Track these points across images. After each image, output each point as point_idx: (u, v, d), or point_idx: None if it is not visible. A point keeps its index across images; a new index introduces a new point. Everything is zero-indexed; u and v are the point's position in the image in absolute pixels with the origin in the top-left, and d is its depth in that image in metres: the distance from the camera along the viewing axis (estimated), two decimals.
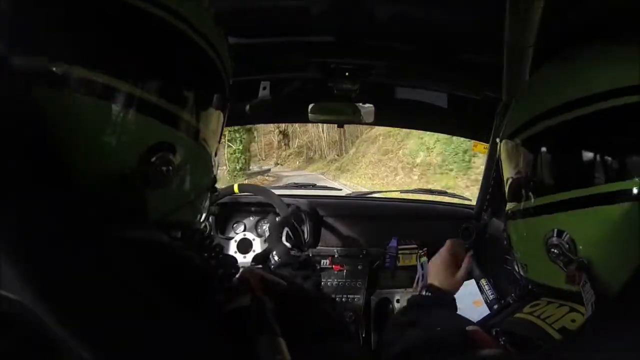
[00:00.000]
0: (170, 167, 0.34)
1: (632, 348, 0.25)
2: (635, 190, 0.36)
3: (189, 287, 0.31)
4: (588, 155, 0.39)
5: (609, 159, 0.38)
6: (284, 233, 0.82)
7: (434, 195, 1.60)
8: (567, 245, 0.41)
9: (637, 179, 0.36)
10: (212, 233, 1.13)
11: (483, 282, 1.12)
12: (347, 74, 0.93)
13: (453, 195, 1.60)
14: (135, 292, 0.24)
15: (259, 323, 0.32)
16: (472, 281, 1.15)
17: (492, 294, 1.09)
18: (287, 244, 0.80)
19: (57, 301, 0.21)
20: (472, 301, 1.09)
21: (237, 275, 0.42)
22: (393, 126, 1.30)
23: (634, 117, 0.37)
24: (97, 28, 0.32)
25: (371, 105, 1.12)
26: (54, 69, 0.30)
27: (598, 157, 0.38)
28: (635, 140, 0.37)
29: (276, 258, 0.77)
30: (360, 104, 1.11)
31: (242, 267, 0.45)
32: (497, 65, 0.77)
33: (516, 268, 0.53)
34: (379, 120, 1.16)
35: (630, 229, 0.36)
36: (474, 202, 1.35)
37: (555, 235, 0.42)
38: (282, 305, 0.37)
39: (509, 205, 0.52)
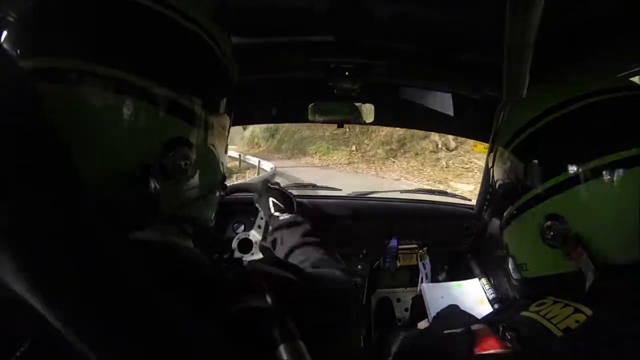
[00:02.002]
0: (188, 162, 0.36)
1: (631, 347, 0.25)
2: (604, 167, 0.44)
3: (198, 287, 0.31)
4: (563, 146, 0.48)
5: (581, 147, 0.46)
6: (270, 203, 0.85)
7: (434, 195, 1.60)
8: (560, 226, 0.46)
9: (605, 158, 0.44)
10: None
11: (483, 281, 1.12)
12: (347, 73, 0.93)
13: (453, 195, 1.59)
14: (143, 293, 0.24)
15: (280, 328, 0.32)
16: (477, 279, 1.15)
17: (492, 294, 1.09)
18: (276, 213, 0.82)
19: (63, 302, 0.21)
20: (477, 299, 1.09)
21: (243, 274, 0.42)
22: (393, 126, 1.30)
23: (600, 113, 0.47)
24: (121, 29, 0.34)
25: (371, 104, 1.12)
26: (73, 66, 0.31)
27: (572, 146, 0.47)
28: (597, 130, 0.46)
29: (270, 228, 0.82)
30: (360, 103, 1.12)
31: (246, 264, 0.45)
32: (497, 65, 0.77)
33: (514, 275, 0.56)
34: (379, 120, 1.16)
35: (610, 199, 0.44)
36: (474, 202, 1.35)
37: (548, 220, 0.47)
38: (290, 303, 0.36)
39: (504, 215, 0.56)
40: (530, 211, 0.50)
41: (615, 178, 0.44)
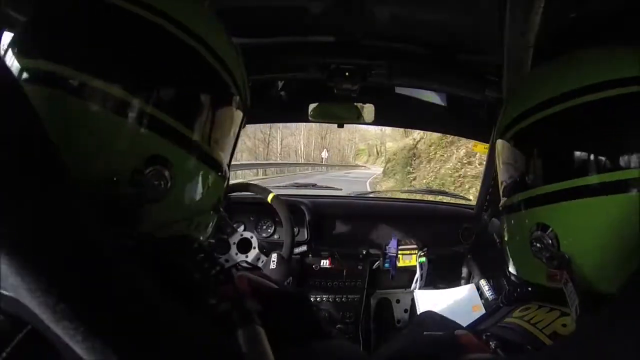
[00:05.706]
0: (162, 182, 0.34)
1: (629, 350, 0.24)
2: (626, 182, 0.35)
3: (180, 289, 0.31)
4: (576, 146, 0.39)
5: (599, 149, 0.37)
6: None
7: (434, 195, 1.60)
8: (549, 240, 0.40)
9: (628, 170, 0.35)
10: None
11: (483, 282, 1.12)
12: (347, 74, 0.93)
13: (453, 196, 1.60)
14: (134, 293, 0.24)
15: (239, 315, 0.31)
16: (472, 285, 1.14)
17: (491, 295, 1.09)
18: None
19: (55, 298, 0.21)
20: (471, 306, 1.09)
21: (227, 276, 0.41)
22: (393, 126, 1.30)
23: (622, 108, 0.37)
24: (101, 37, 0.32)
25: (371, 105, 1.12)
26: (61, 73, 0.30)
27: (587, 147, 0.38)
28: (626, 130, 0.37)
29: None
30: (361, 104, 1.12)
31: (236, 269, 0.45)
32: (497, 65, 0.77)
33: (509, 268, 0.52)
34: (379, 120, 1.16)
35: (617, 223, 0.35)
36: (474, 203, 1.35)
37: (539, 229, 0.41)
38: (269, 306, 0.36)
39: (502, 201, 0.51)
40: (526, 211, 0.44)
41: (633, 197, 0.34)
